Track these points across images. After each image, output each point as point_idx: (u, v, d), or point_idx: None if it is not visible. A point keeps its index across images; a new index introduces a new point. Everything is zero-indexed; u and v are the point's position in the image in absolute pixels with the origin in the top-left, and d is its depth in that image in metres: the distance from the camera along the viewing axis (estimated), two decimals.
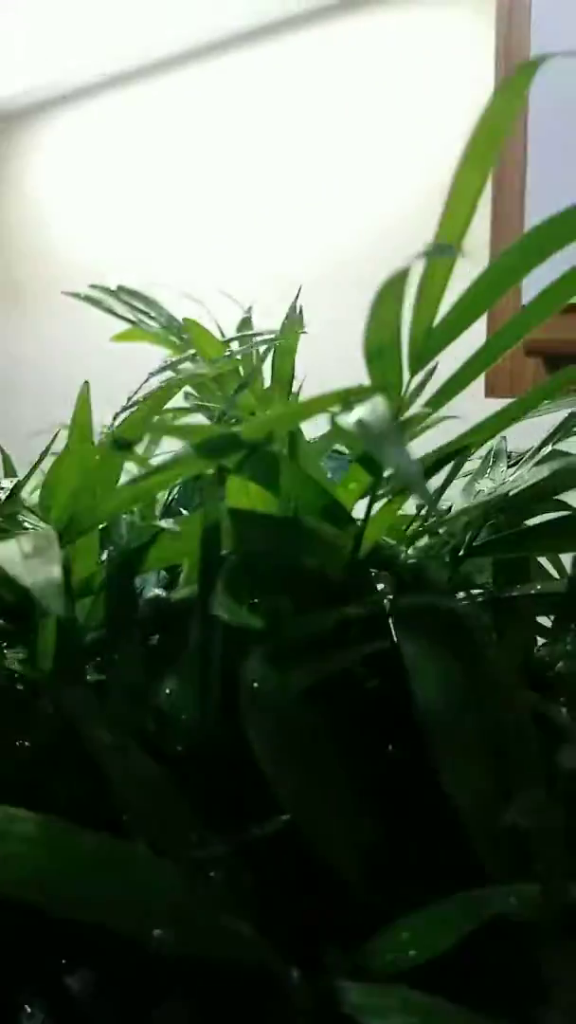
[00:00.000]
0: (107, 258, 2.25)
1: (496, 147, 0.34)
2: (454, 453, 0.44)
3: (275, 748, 0.38)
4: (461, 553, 0.49)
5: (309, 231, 1.85)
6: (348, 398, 0.33)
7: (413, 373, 0.42)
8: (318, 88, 1.75)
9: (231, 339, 0.74)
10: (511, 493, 0.49)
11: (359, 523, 0.45)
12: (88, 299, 0.87)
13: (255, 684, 0.40)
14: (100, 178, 2.23)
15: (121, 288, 0.91)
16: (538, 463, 0.49)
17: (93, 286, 0.90)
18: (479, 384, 1.01)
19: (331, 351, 0.96)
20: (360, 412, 0.31)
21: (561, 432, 0.53)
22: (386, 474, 0.44)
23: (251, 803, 0.40)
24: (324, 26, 1.72)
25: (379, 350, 0.37)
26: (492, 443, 0.60)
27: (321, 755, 0.38)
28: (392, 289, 0.32)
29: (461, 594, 0.52)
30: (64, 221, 2.37)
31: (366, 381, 0.42)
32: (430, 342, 0.41)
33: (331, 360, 0.97)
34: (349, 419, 0.32)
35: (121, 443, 0.31)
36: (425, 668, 0.39)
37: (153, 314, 0.88)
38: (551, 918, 0.33)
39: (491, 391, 0.90)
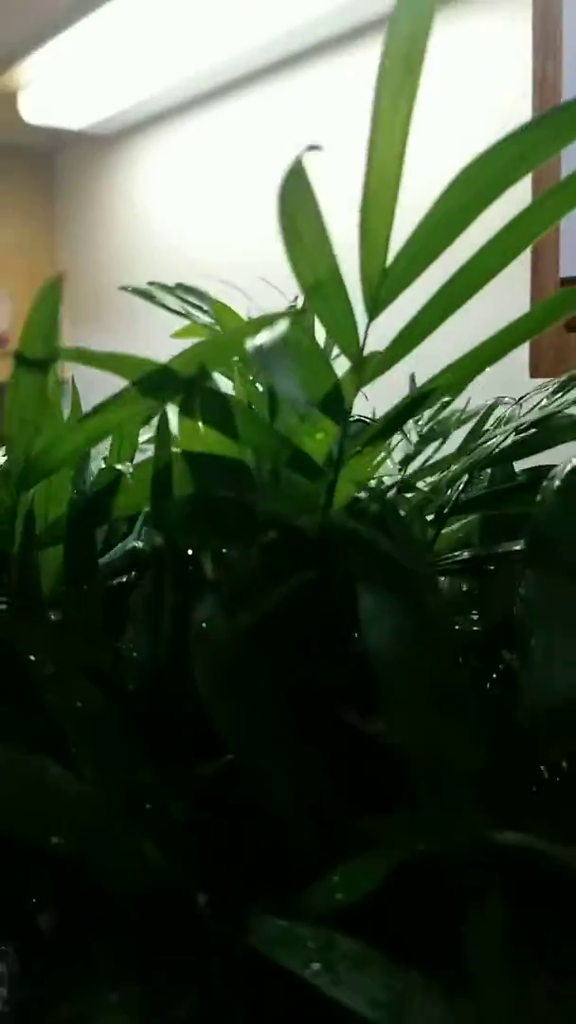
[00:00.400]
0: (207, 260, 2.31)
1: (417, 68, 0.33)
2: (421, 399, 0.43)
3: (218, 685, 0.38)
4: (446, 510, 0.48)
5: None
6: (263, 325, 0.33)
7: (372, 316, 0.41)
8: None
9: (257, 319, 0.75)
10: (496, 449, 0.47)
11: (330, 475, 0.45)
12: (137, 292, 0.90)
13: (203, 624, 0.40)
14: (203, 186, 2.31)
15: (179, 285, 0.93)
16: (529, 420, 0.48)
17: (151, 283, 0.93)
18: (523, 363, 0.98)
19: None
20: (264, 337, 0.31)
21: (560, 391, 0.51)
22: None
23: (200, 742, 0.40)
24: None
25: (316, 285, 0.37)
26: (501, 411, 0.59)
27: (265, 693, 0.38)
28: (294, 217, 0.32)
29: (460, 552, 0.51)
30: (171, 228, 2.46)
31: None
32: (388, 282, 0.40)
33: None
34: (253, 344, 0.32)
35: (26, 360, 0.32)
36: (376, 616, 0.38)
37: (205, 308, 0.90)
38: (466, 855, 0.32)
39: (536, 371, 0.87)
